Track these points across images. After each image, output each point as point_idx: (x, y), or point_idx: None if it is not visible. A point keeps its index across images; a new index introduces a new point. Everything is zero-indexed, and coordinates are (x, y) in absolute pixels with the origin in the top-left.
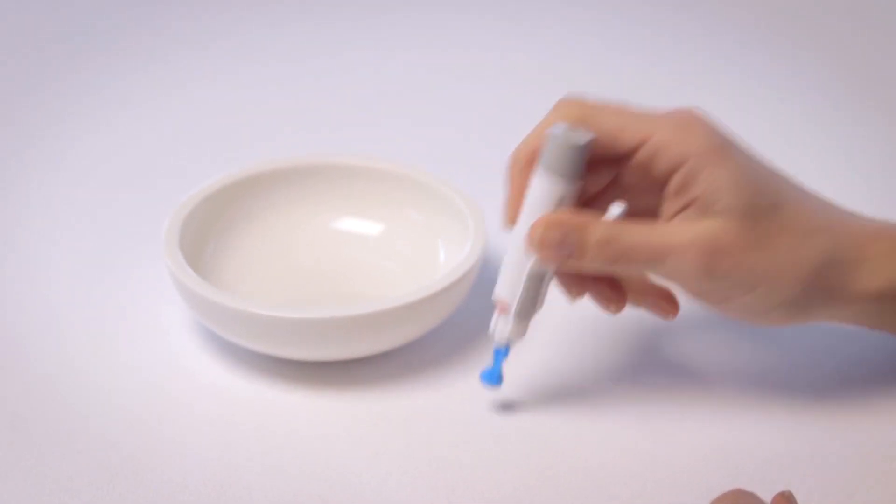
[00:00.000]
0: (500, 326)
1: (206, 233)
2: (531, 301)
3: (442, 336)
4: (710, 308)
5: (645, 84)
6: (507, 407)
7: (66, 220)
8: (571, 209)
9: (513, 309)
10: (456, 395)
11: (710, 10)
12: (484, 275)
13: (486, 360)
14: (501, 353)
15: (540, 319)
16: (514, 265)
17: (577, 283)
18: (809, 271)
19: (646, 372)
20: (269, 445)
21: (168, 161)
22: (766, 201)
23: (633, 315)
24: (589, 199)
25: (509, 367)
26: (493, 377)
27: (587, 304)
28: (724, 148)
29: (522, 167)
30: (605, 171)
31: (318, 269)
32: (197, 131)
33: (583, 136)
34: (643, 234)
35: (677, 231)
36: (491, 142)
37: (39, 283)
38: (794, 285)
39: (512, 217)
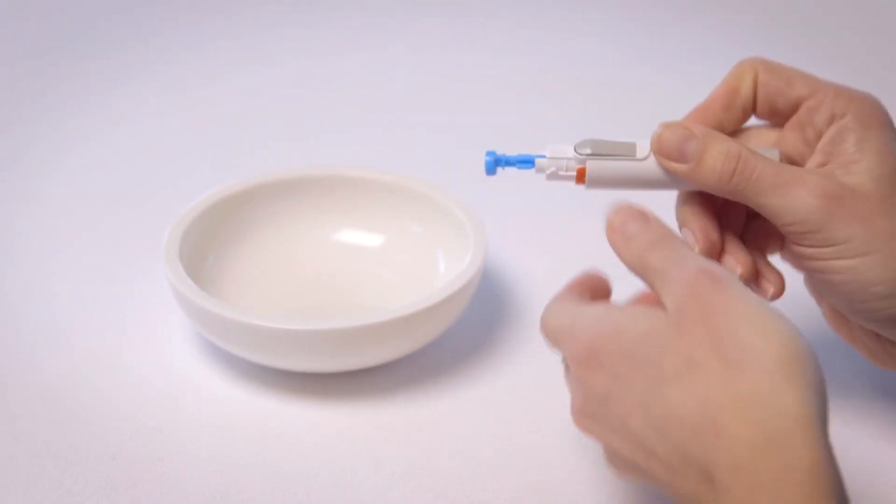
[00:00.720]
0: (563, 159)
1: (206, 244)
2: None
3: (442, 347)
4: (814, 285)
5: (646, 90)
6: (507, 417)
7: (66, 233)
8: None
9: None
10: (456, 405)
11: (711, 12)
12: (484, 285)
13: (486, 371)
14: (527, 162)
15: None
16: (622, 170)
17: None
18: None
19: None
20: (271, 456)
21: (168, 172)
22: None
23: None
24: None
25: (509, 366)
26: (495, 163)
27: None
28: (882, 120)
29: (726, 104)
30: (771, 121)
31: (318, 280)
32: (197, 142)
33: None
34: (773, 164)
35: (810, 174)
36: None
37: (40, 296)
38: None
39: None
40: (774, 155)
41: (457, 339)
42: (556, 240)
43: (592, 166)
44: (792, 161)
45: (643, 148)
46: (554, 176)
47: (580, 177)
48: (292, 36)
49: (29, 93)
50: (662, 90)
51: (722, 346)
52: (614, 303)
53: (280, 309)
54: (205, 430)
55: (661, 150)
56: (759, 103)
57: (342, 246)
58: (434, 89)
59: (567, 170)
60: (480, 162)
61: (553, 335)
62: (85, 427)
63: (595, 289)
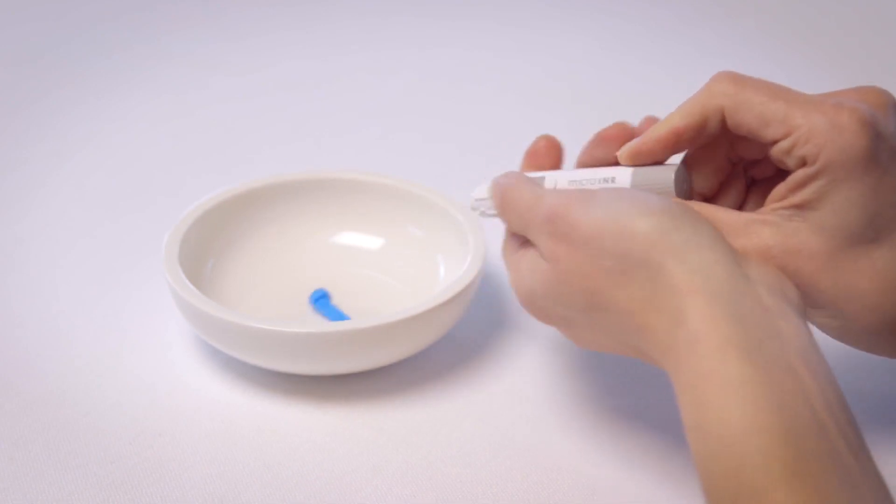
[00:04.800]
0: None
1: (206, 248)
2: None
3: (442, 351)
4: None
5: (646, 92)
6: (507, 421)
7: (67, 238)
8: None
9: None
10: (456, 409)
11: (712, 14)
12: (483, 289)
13: (485, 375)
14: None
15: (538, 330)
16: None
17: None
18: (879, 323)
19: (648, 385)
20: (270, 460)
21: (168, 177)
22: (871, 232)
23: None
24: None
25: (508, 370)
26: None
27: None
28: (863, 161)
29: (673, 139)
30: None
31: (317, 283)
32: (197, 147)
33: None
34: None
35: (767, 220)
36: (491, 157)
37: (39, 302)
38: (862, 325)
39: (628, 151)
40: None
41: (456, 342)
42: None
43: None
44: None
45: (550, 181)
46: (483, 214)
47: None
48: (292, 40)
49: (29, 98)
50: (663, 92)
51: (601, 266)
52: (523, 251)
53: (279, 312)
54: (205, 433)
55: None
56: (733, 132)
57: (342, 249)
58: (434, 93)
59: (490, 209)
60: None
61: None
62: (85, 431)
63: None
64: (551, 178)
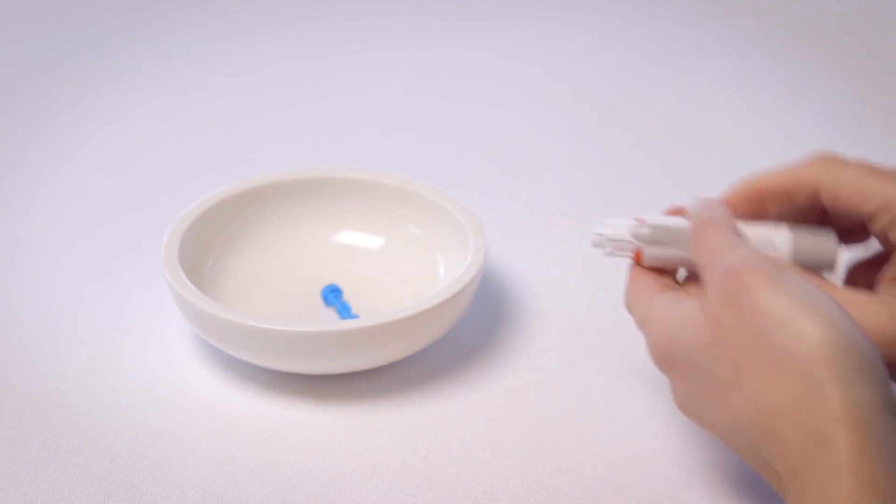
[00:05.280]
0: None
1: (205, 247)
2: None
3: (441, 350)
4: None
5: (647, 94)
6: (507, 421)
7: (66, 238)
8: None
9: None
10: (455, 408)
11: (713, 16)
12: (483, 289)
13: (485, 375)
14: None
15: (539, 330)
16: (675, 255)
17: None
18: None
19: (648, 385)
20: (270, 460)
21: (168, 177)
22: None
23: (634, 326)
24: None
25: (509, 369)
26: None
27: (586, 316)
28: None
29: (755, 197)
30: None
31: (318, 282)
32: (197, 146)
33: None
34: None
35: (883, 300)
36: (491, 157)
37: (39, 302)
38: None
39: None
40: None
41: (456, 341)
42: (556, 243)
43: (649, 254)
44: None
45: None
46: (610, 254)
47: (637, 257)
48: (292, 40)
49: (29, 98)
50: (663, 92)
51: (761, 350)
52: (673, 295)
53: (279, 311)
54: (204, 433)
55: None
56: (823, 208)
57: (342, 249)
58: (434, 93)
59: (623, 250)
60: (480, 168)
61: (636, 322)
62: (85, 430)
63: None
64: None
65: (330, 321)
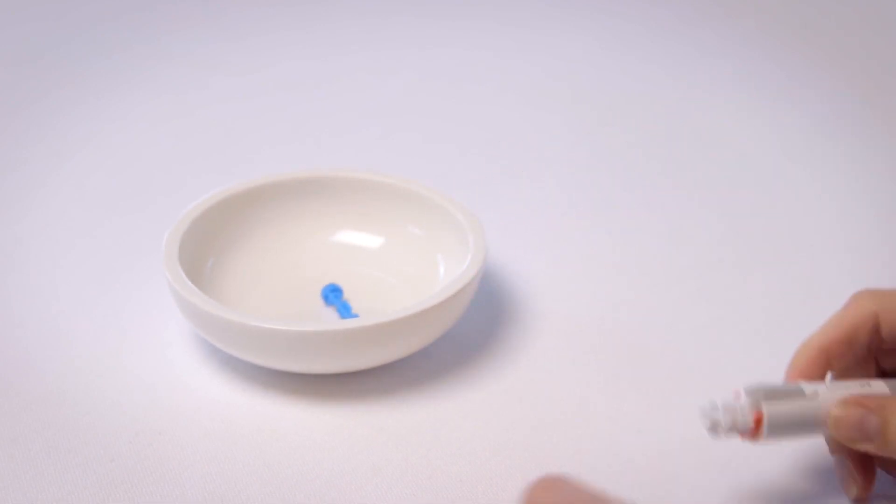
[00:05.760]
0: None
1: (205, 247)
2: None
3: (441, 349)
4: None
5: (647, 96)
6: (507, 421)
7: (66, 237)
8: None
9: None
10: (455, 408)
11: (713, 16)
12: (483, 288)
13: (485, 374)
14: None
15: (539, 330)
16: (800, 412)
17: (866, 471)
18: None
19: (648, 385)
20: (269, 459)
21: (168, 176)
22: None
23: (634, 326)
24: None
25: (508, 369)
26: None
27: (586, 316)
28: None
29: (819, 356)
30: None
31: (317, 282)
32: (197, 146)
33: None
34: None
35: None
36: (491, 157)
37: (39, 302)
38: None
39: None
40: None
41: (456, 341)
42: (556, 243)
43: (771, 412)
44: None
45: (809, 389)
46: (728, 431)
47: (757, 426)
48: (292, 40)
49: (29, 98)
50: (663, 92)
51: None
52: None
53: (279, 311)
54: (204, 432)
55: (839, 433)
56: (885, 344)
57: (342, 248)
58: (434, 93)
59: (743, 418)
60: (480, 168)
61: None
62: (85, 430)
63: None
64: (810, 388)
65: (330, 321)
